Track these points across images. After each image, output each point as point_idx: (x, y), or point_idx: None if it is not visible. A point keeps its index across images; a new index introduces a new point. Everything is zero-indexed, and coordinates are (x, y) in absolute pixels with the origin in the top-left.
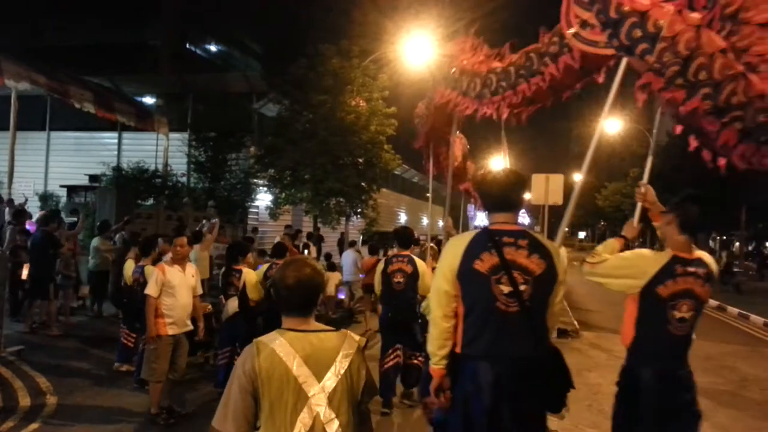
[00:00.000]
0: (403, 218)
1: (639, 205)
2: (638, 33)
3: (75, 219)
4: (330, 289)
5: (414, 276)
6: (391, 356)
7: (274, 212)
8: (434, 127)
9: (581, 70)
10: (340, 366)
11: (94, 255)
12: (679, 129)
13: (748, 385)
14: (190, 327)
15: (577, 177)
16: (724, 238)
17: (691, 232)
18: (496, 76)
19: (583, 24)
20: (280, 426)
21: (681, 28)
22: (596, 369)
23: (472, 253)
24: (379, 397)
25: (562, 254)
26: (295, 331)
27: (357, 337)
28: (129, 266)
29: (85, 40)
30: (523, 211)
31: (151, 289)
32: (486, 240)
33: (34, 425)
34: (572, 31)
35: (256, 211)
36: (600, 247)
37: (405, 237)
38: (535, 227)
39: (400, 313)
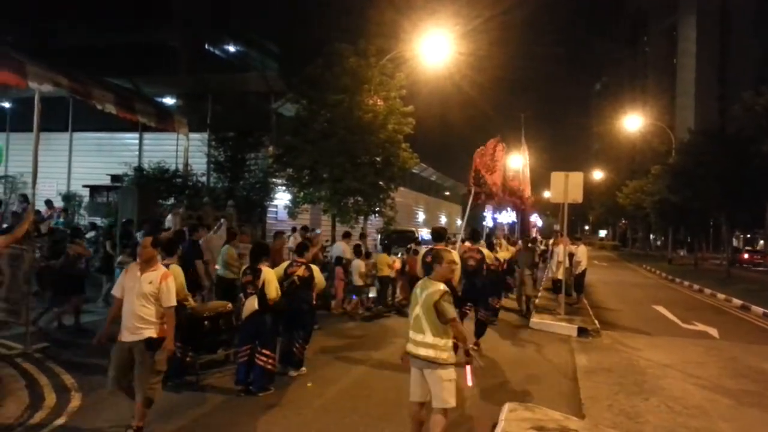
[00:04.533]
0: (421, 217)
1: None
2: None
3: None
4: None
5: (482, 260)
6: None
7: (292, 211)
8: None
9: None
10: (425, 294)
11: (222, 262)
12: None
13: None
14: (142, 336)
15: (598, 175)
16: (749, 236)
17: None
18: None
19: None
20: (410, 311)
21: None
22: (616, 369)
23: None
24: None
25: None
26: (423, 279)
27: (442, 286)
28: None
29: (106, 41)
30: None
31: (114, 289)
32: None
33: (60, 420)
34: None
35: (275, 210)
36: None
37: (479, 235)
38: (554, 226)
39: (473, 284)
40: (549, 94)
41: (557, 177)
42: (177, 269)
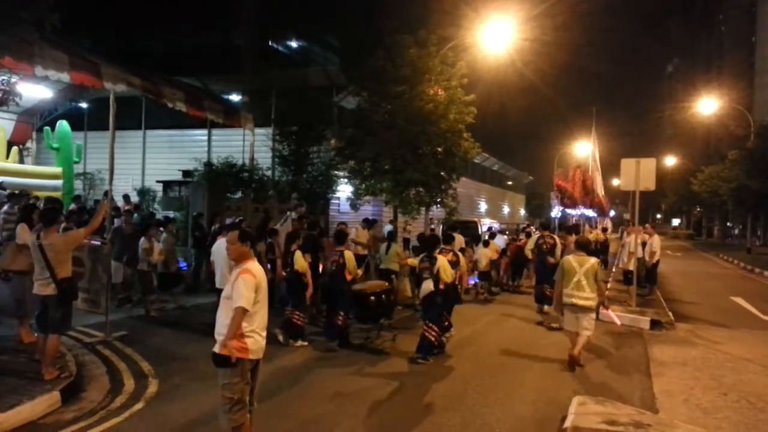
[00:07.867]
0: (483, 207)
1: None
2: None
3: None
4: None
5: (555, 244)
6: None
7: (354, 203)
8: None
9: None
10: (586, 266)
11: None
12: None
13: None
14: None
15: (670, 161)
16: None
17: (544, 228)
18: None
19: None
20: (567, 281)
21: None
22: (692, 363)
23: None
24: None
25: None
26: (576, 255)
27: (594, 260)
28: (299, 255)
29: (176, 44)
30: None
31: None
32: (540, 237)
33: (139, 405)
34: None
35: (338, 202)
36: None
37: (548, 224)
38: (624, 215)
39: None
40: (618, 79)
41: (628, 164)
42: (348, 254)
